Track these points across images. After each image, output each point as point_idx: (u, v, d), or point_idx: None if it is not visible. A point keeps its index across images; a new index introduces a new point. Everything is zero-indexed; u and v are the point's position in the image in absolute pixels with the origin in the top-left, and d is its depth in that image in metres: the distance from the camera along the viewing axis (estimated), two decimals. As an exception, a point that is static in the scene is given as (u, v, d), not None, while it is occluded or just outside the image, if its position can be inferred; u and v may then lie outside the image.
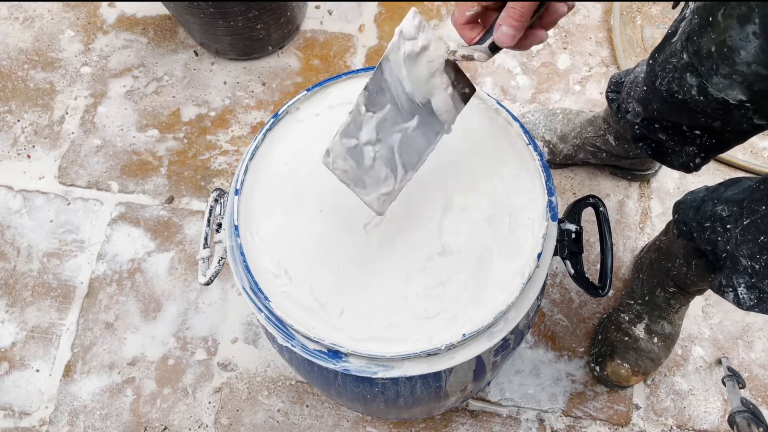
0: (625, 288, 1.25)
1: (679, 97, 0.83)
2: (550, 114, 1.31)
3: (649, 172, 1.32)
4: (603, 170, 1.35)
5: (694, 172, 1.03)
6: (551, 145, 1.29)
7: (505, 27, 0.62)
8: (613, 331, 1.18)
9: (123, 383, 1.22)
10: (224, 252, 0.80)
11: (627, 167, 1.30)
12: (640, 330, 1.15)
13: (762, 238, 0.74)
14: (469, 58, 0.68)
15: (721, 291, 0.86)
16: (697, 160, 0.95)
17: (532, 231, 0.77)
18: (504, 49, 0.71)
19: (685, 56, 0.79)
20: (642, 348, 1.14)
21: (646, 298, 1.15)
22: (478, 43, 0.67)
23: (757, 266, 0.75)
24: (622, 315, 1.18)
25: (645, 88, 0.91)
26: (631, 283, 1.21)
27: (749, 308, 0.82)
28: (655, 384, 1.21)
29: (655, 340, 1.15)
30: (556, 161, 1.32)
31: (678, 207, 0.97)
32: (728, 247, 0.83)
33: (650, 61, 0.89)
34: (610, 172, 1.34)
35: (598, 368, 1.18)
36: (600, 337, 1.20)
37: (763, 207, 0.75)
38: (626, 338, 1.15)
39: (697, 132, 0.89)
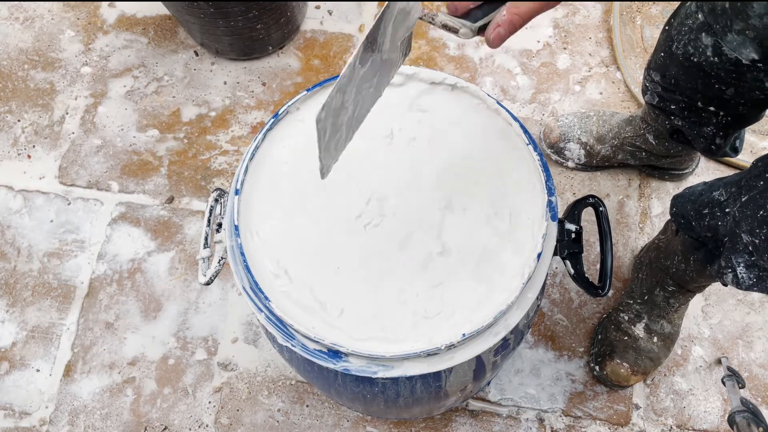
0: (625, 288, 1.25)
1: (695, 60, 0.86)
2: (583, 116, 1.30)
3: (687, 171, 1.31)
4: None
5: (718, 157, 1.06)
6: (588, 147, 1.28)
7: (502, 29, 0.60)
8: (612, 330, 1.18)
9: (123, 383, 1.22)
10: (224, 252, 0.80)
11: (665, 167, 1.29)
12: (639, 329, 1.15)
13: (761, 212, 0.75)
14: (452, 30, 0.62)
15: (720, 274, 0.86)
16: (717, 140, 0.98)
17: (531, 231, 0.77)
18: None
19: (700, 16, 0.83)
20: (641, 347, 1.14)
21: (645, 297, 1.15)
22: (465, 17, 0.61)
23: (757, 241, 0.76)
24: (621, 315, 1.18)
25: (662, 54, 0.94)
26: (631, 282, 1.21)
27: (748, 287, 0.82)
28: (654, 384, 1.21)
29: (655, 339, 1.15)
30: (593, 163, 1.31)
31: (675, 200, 0.97)
32: (728, 228, 0.83)
33: (666, 27, 0.93)
34: (648, 173, 1.33)
35: (597, 368, 1.18)
36: (600, 336, 1.20)
37: (761, 182, 0.76)
38: (626, 338, 1.15)
39: (712, 108, 0.91)
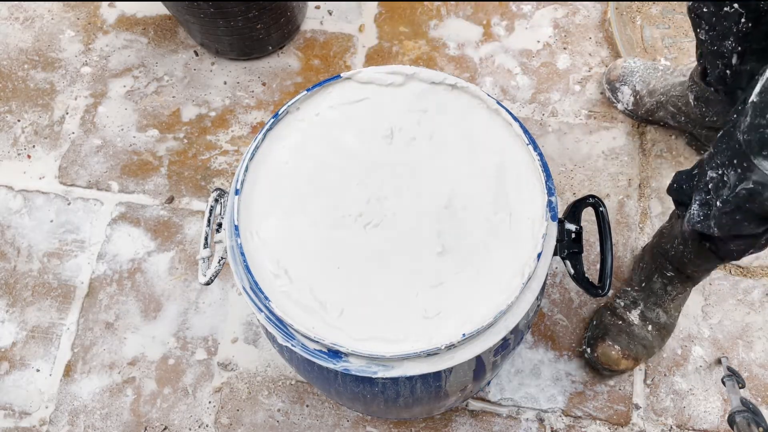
0: (625, 288, 1.26)
1: None
2: (650, 67, 1.34)
3: None
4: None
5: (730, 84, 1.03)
6: (638, 96, 1.33)
7: None
8: (607, 315, 1.18)
9: (123, 383, 1.23)
10: (224, 252, 0.80)
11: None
12: (634, 316, 1.16)
13: (732, 143, 0.74)
14: None
15: (685, 216, 0.88)
16: (734, 60, 0.96)
17: (532, 231, 0.77)
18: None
19: None
20: (635, 333, 1.15)
21: (644, 284, 1.16)
22: None
23: (728, 172, 0.76)
24: (617, 301, 1.18)
25: None
26: (631, 273, 1.22)
27: (694, 224, 0.85)
28: (654, 384, 1.21)
29: (650, 327, 1.15)
30: (638, 113, 1.36)
31: (676, 176, 0.99)
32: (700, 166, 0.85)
33: None
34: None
35: (589, 350, 1.17)
36: (594, 322, 1.20)
37: (734, 115, 0.76)
38: (620, 322, 1.16)
39: (735, 6, 0.90)
